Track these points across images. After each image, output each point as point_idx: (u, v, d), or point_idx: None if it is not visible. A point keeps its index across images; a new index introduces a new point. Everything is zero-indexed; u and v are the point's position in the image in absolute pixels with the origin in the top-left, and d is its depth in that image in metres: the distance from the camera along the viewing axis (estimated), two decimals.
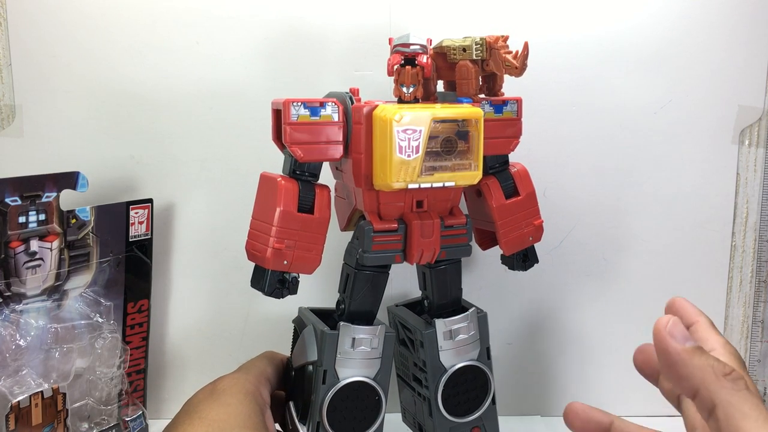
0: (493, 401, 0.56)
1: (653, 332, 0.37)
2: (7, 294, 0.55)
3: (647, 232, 0.69)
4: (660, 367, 0.38)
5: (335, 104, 0.49)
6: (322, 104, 0.49)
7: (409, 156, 0.47)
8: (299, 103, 0.48)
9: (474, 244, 0.54)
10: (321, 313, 0.54)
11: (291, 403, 0.52)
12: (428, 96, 0.52)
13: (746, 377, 0.35)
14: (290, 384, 0.53)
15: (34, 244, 0.56)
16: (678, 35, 0.66)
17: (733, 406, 0.33)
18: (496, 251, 0.58)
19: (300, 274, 0.50)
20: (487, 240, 0.59)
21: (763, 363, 0.71)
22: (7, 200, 0.54)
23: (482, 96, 0.53)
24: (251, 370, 0.52)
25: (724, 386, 0.34)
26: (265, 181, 0.51)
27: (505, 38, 0.51)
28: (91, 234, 0.59)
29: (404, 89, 0.50)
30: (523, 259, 0.57)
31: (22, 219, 0.55)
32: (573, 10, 0.66)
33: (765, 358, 0.70)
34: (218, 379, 0.51)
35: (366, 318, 0.52)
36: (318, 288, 0.62)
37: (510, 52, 0.50)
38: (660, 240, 0.70)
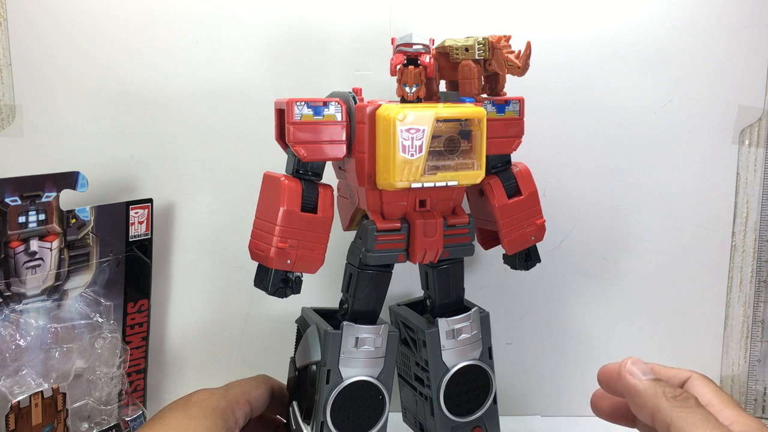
0: (495, 401, 0.56)
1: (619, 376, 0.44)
2: (7, 294, 0.55)
3: (647, 232, 0.70)
4: (628, 402, 0.45)
5: (338, 104, 0.49)
6: (326, 104, 0.49)
7: (412, 155, 0.47)
8: (302, 103, 0.48)
9: (476, 243, 0.54)
10: (324, 313, 0.53)
11: (295, 403, 0.52)
12: (431, 96, 0.52)
13: (695, 398, 0.41)
14: (293, 384, 0.53)
15: (34, 244, 0.56)
16: (678, 35, 0.66)
17: (683, 420, 0.39)
18: (497, 251, 0.58)
19: (303, 274, 0.50)
20: (489, 239, 0.59)
21: (763, 363, 0.71)
22: (7, 200, 0.54)
23: (485, 96, 0.53)
24: (232, 389, 0.52)
25: (675, 406, 0.40)
26: (269, 180, 0.50)
27: (508, 38, 0.51)
28: (91, 234, 0.59)
29: (407, 89, 0.50)
30: (525, 258, 0.57)
31: (22, 219, 0.55)
32: (574, 10, 0.66)
33: (765, 358, 0.71)
34: (196, 391, 0.51)
35: (369, 317, 0.52)
36: (321, 288, 0.62)
37: (512, 52, 0.50)
38: (660, 240, 0.70)
